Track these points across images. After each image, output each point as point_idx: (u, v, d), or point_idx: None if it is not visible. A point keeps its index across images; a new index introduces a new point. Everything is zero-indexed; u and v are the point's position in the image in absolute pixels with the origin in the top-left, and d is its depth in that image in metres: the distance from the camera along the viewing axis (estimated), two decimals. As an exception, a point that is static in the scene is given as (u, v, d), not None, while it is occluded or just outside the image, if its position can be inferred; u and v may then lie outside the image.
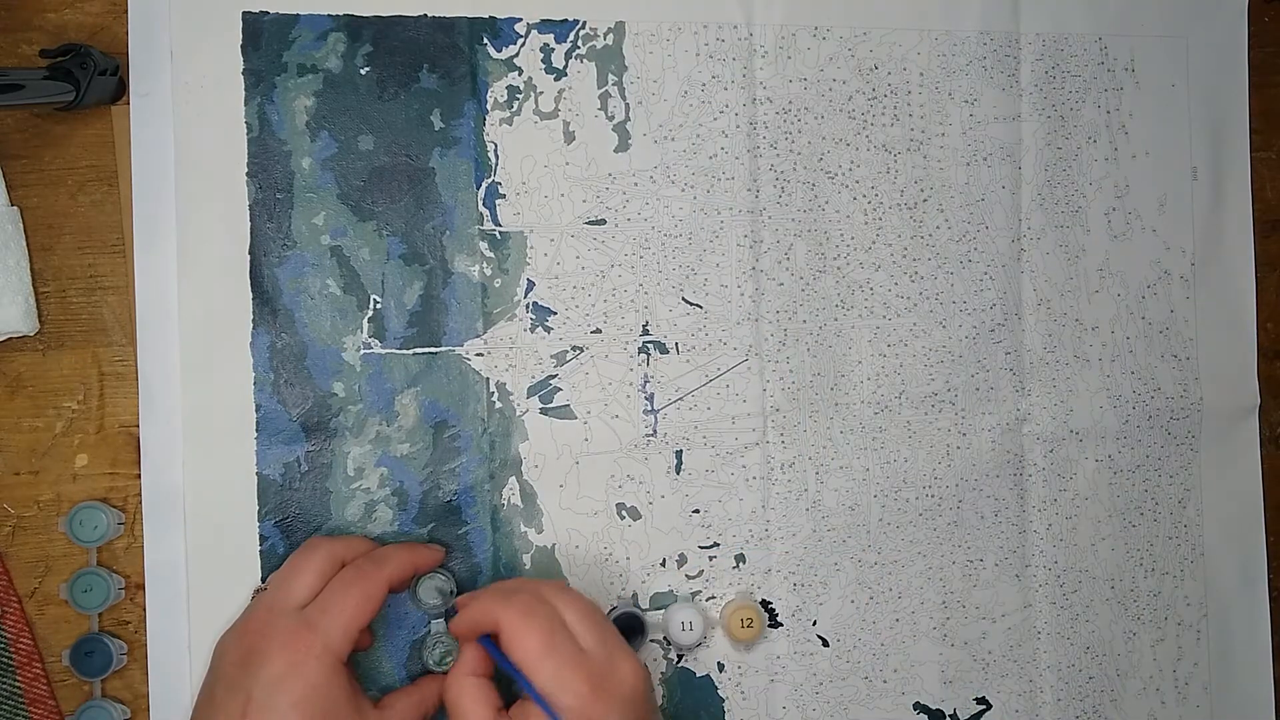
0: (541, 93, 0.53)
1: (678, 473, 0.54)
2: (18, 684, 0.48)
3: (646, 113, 0.54)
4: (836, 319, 0.56)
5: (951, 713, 0.57)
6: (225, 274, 0.50)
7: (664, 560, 0.54)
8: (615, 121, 0.54)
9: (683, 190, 0.54)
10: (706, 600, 0.55)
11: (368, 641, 0.50)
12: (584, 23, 0.54)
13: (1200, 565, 0.61)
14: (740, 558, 0.55)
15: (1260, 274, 0.62)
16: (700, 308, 0.55)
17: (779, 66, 0.55)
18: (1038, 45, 0.58)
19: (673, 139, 0.54)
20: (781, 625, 0.55)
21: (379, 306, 0.51)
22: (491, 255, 0.53)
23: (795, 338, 0.56)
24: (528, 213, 0.53)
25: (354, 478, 0.51)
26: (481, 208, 0.53)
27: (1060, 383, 0.59)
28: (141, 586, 0.49)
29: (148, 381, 0.49)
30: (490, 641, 0.45)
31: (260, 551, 0.50)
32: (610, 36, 0.54)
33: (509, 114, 0.53)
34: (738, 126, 0.55)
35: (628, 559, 0.54)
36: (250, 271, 0.50)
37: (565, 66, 0.53)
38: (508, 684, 0.46)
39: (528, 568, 0.53)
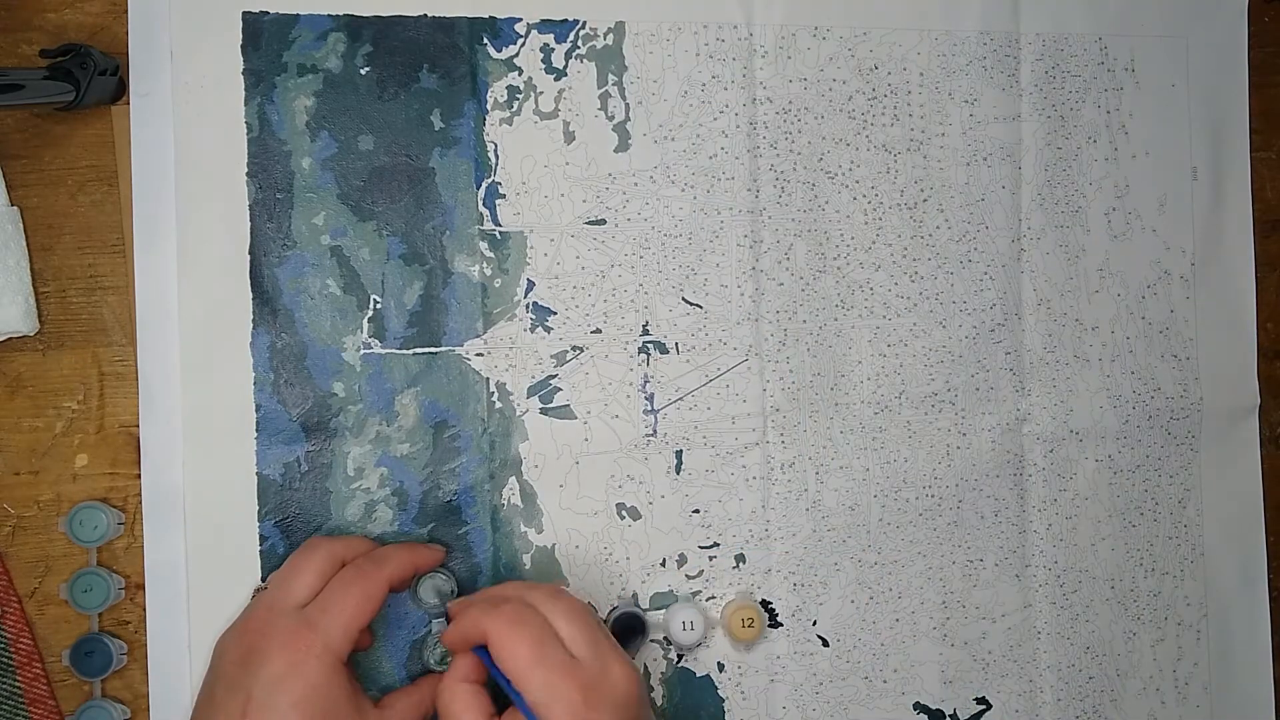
0: (541, 93, 0.53)
1: (678, 473, 0.54)
2: (18, 684, 0.48)
3: (646, 113, 0.54)
4: (836, 319, 0.56)
5: (951, 713, 0.57)
6: (225, 274, 0.50)
7: (664, 560, 0.54)
8: (615, 121, 0.54)
9: (683, 190, 0.54)
10: (706, 600, 0.55)
11: (368, 641, 0.50)
12: (584, 23, 0.54)
13: (1200, 565, 0.61)
14: (740, 558, 0.55)
15: (1260, 274, 0.62)
16: (700, 308, 0.55)
17: (779, 66, 0.55)
18: (1038, 45, 0.58)
19: (673, 139, 0.54)
20: (781, 625, 0.55)
21: (379, 306, 0.51)
22: (491, 255, 0.53)
23: (795, 338, 0.56)
24: (528, 213, 0.53)
25: (354, 478, 0.51)
26: (481, 208, 0.53)
27: (1060, 383, 0.59)
28: (141, 586, 0.49)
29: (148, 381, 0.49)
30: (485, 651, 0.44)
31: (260, 551, 0.50)
32: (610, 36, 0.54)
33: (509, 114, 0.53)
34: (738, 126, 0.55)
35: (628, 559, 0.54)
36: (250, 271, 0.50)
37: (565, 66, 0.53)
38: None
39: (528, 568, 0.53)
